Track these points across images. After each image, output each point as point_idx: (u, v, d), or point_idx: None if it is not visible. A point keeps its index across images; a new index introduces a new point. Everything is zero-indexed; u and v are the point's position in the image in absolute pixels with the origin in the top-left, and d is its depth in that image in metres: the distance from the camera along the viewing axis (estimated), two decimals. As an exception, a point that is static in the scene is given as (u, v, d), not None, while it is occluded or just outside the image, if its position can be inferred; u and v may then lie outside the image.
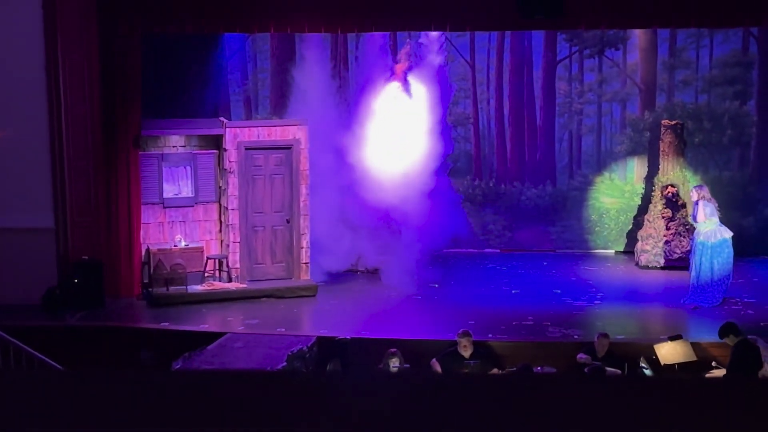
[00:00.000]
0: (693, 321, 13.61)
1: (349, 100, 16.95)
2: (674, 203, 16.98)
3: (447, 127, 16.98)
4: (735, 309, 14.06)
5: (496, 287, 15.67)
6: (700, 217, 14.40)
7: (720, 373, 11.87)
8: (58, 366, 11.31)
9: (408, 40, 16.95)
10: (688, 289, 14.51)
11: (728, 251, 14.34)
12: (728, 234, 14.38)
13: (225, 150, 15.19)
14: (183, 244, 15.22)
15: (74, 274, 14.33)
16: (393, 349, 11.82)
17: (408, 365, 11.82)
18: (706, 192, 14.59)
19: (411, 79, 16.46)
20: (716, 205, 14.57)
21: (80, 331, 13.44)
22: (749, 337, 12.04)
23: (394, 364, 11.64)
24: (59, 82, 14.39)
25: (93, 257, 14.50)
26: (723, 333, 11.86)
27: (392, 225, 15.99)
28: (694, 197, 14.55)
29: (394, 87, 16.39)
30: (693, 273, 14.42)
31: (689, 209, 16.07)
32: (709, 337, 12.51)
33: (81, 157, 14.57)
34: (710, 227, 14.33)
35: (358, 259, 16.10)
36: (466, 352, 12.12)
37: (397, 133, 16.18)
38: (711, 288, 14.24)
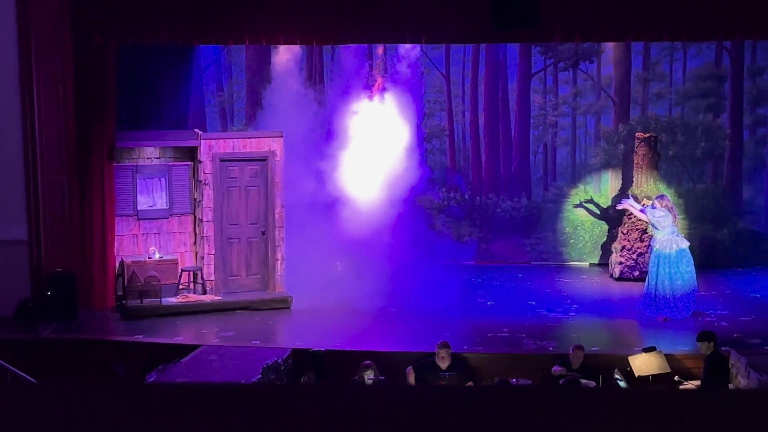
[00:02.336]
0: (667, 333, 13.66)
1: (324, 113, 16.93)
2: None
3: (422, 144, 17.00)
4: (708, 321, 14.12)
5: (471, 299, 15.68)
6: (648, 216, 14.50)
7: (690, 385, 11.91)
8: (32, 379, 11.24)
9: (382, 55, 16.97)
10: (641, 297, 14.57)
11: (687, 260, 14.38)
12: (685, 244, 14.44)
13: (200, 162, 15.15)
14: (157, 256, 15.17)
15: (48, 287, 14.24)
16: (368, 362, 11.80)
17: (383, 377, 11.81)
18: (667, 202, 14.67)
19: (386, 95, 16.47)
20: (675, 215, 14.65)
21: (53, 344, 13.35)
22: (723, 349, 12.11)
23: (369, 376, 11.62)
24: (33, 94, 14.31)
25: (66, 269, 14.41)
26: (701, 337, 11.90)
27: (368, 239, 15.95)
28: (657, 206, 14.61)
29: (369, 102, 16.41)
30: (649, 282, 14.47)
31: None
32: (682, 348, 12.57)
33: (55, 169, 14.50)
34: (664, 235, 14.38)
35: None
36: (444, 364, 12.11)
37: (373, 147, 16.19)
38: (674, 299, 14.26)
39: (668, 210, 14.48)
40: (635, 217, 17.09)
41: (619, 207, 15.78)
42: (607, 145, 18.39)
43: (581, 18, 14.50)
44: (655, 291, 14.32)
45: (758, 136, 18.26)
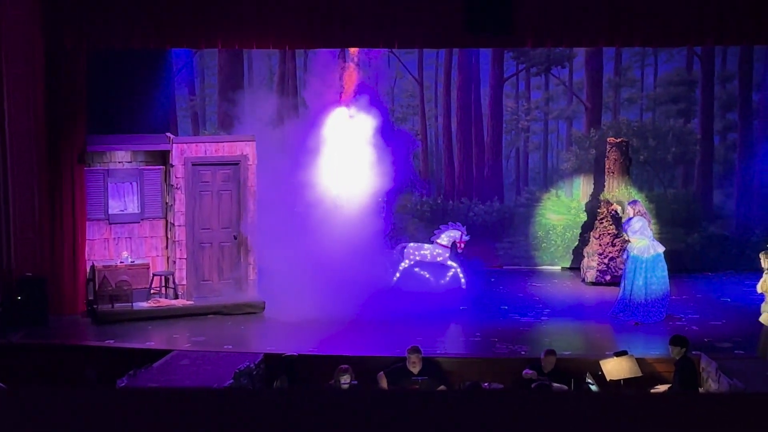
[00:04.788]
0: (638, 337, 13.72)
1: (297, 117, 16.90)
2: (619, 220, 17.13)
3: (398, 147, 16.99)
4: (679, 325, 14.19)
5: (443, 303, 15.69)
6: (630, 235, 14.58)
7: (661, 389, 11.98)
8: (1, 384, 11.14)
9: (356, 57, 16.96)
10: (616, 301, 14.62)
11: (662, 265, 14.46)
12: (661, 249, 14.52)
13: (172, 166, 15.09)
14: (129, 260, 15.09)
15: (17, 291, 14.14)
16: (344, 366, 11.76)
17: (356, 382, 11.78)
18: (640, 207, 14.74)
19: (360, 97, 16.46)
20: (649, 220, 14.71)
21: (23, 349, 13.26)
22: (693, 353, 12.18)
23: (345, 380, 11.59)
24: (3, 97, 14.21)
25: (36, 274, 14.31)
26: (673, 342, 11.94)
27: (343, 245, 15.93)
28: (630, 213, 14.69)
29: (343, 105, 16.39)
30: (625, 287, 14.52)
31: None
32: (654, 352, 12.62)
33: (25, 173, 14.40)
34: (643, 243, 14.45)
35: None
36: (415, 368, 12.10)
37: (347, 151, 16.17)
38: (648, 304, 14.32)
39: (641, 215, 14.55)
40: (607, 221, 17.18)
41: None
42: (578, 150, 18.47)
43: (553, 23, 14.55)
44: (630, 295, 14.37)
45: (728, 141, 18.39)
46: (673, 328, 13.88)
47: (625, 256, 14.93)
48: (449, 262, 16.71)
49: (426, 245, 16.80)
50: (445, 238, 16.73)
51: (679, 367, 11.75)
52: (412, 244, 16.90)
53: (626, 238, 14.90)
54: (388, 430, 2.32)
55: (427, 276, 16.69)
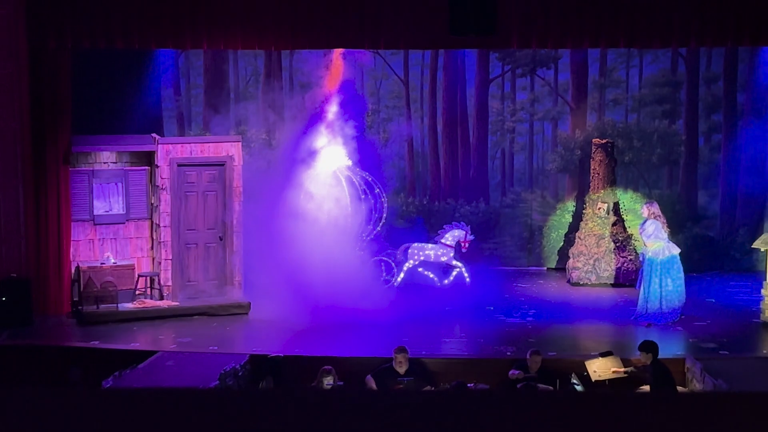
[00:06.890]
0: (623, 337, 13.74)
1: (284, 117, 16.90)
2: (605, 221, 17.18)
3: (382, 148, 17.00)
4: (664, 324, 14.22)
5: (429, 303, 15.70)
6: (644, 239, 14.54)
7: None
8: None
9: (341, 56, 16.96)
10: (636, 304, 14.58)
11: (677, 267, 14.44)
12: (676, 250, 14.49)
13: (157, 166, 15.06)
14: (110, 261, 15.04)
15: (2, 292, 14.09)
16: (327, 367, 11.77)
17: (342, 383, 11.78)
18: (655, 209, 14.61)
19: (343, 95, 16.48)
20: (664, 221, 14.66)
21: (8, 350, 13.21)
22: (678, 354, 12.20)
23: (328, 381, 11.60)
24: (-13, 97, 14.17)
25: (21, 275, 14.27)
26: (642, 347, 11.96)
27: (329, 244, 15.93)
28: (645, 213, 14.65)
29: (328, 105, 16.40)
30: (643, 289, 14.47)
31: (632, 227, 16.27)
32: (638, 353, 12.64)
33: (9, 174, 14.35)
34: (658, 245, 14.43)
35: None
36: (401, 369, 12.11)
37: (332, 152, 16.18)
38: (662, 310, 14.29)
39: (655, 218, 14.47)
40: (592, 222, 17.22)
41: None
42: (564, 151, 18.50)
43: (538, 25, 14.58)
44: (646, 297, 14.32)
45: (713, 142, 18.45)
46: (659, 328, 13.94)
47: (641, 259, 14.91)
48: (454, 262, 16.85)
49: (430, 245, 16.94)
50: (449, 238, 16.86)
51: (652, 372, 11.77)
52: (415, 244, 17.00)
53: (643, 243, 14.82)
54: (373, 430, 2.32)
55: (431, 276, 16.81)
